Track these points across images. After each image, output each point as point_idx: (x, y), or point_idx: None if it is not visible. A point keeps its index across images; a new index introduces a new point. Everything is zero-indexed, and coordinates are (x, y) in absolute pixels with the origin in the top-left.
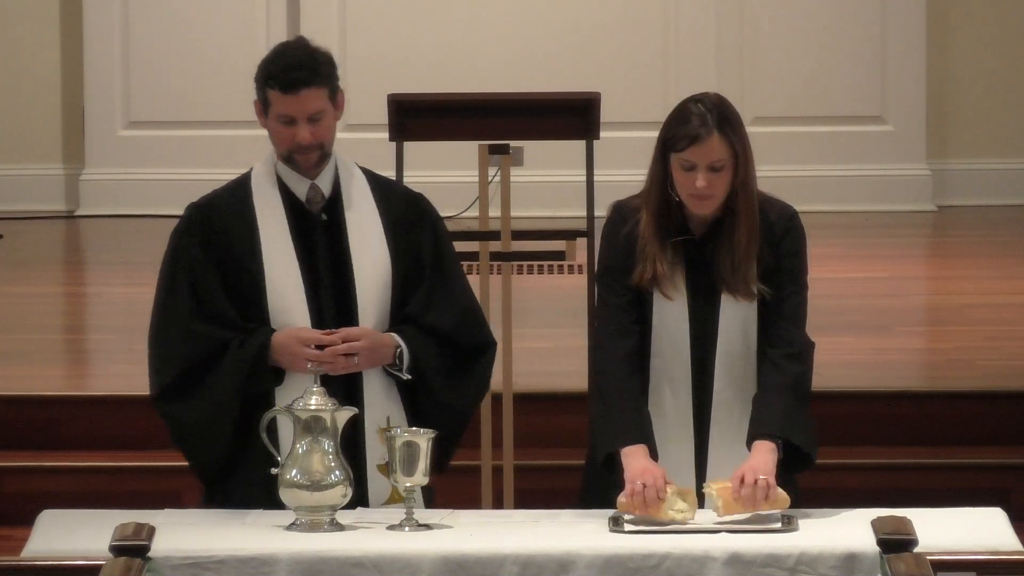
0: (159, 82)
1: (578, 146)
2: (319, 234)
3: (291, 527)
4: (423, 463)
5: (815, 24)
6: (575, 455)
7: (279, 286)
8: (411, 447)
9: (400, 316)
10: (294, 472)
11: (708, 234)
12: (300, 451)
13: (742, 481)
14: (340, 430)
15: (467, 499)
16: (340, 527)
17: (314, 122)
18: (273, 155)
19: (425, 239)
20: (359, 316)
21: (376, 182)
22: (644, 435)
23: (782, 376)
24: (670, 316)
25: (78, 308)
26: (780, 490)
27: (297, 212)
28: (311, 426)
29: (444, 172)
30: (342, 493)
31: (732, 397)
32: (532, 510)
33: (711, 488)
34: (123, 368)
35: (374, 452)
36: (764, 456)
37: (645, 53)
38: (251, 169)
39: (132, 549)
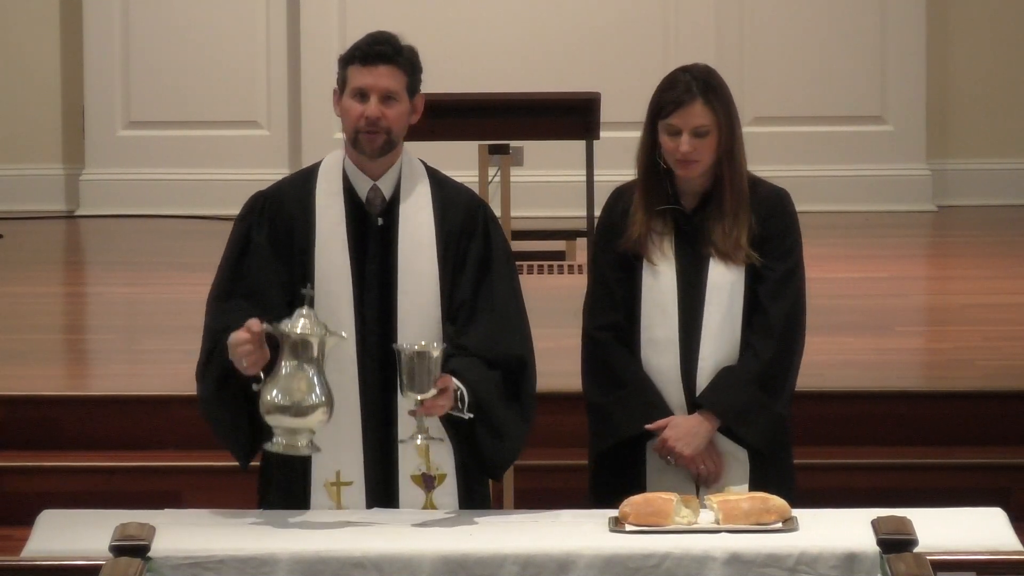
0: (159, 82)
1: (578, 146)
2: (373, 238)
3: (270, 444)
4: (436, 374)
5: (815, 24)
6: (575, 455)
7: (327, 285)
8: (422, 358)
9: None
10: (275, 393)
11: (698, 206)
12: (284, 371)
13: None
14: (327, 355)
15: None
16: (317, 448)
17: (386, 102)
18: (343, 149)
19: (474, 247)
20: (399, 324)
21: (440, 189)
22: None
23: (755, 361)
24: (659, 284)
25: (78, 308)
26: (780, 500)
27: (357, 212)
28: (298, 348)
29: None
30: (320, 419)
31: (718, 365)
32: (532, 510)
33: (711, 500)
34: (123, 368)
35: (408, 463)
36: (692, 422)
37: (645, 53)
38: (320, 161)
39: (132, 549)
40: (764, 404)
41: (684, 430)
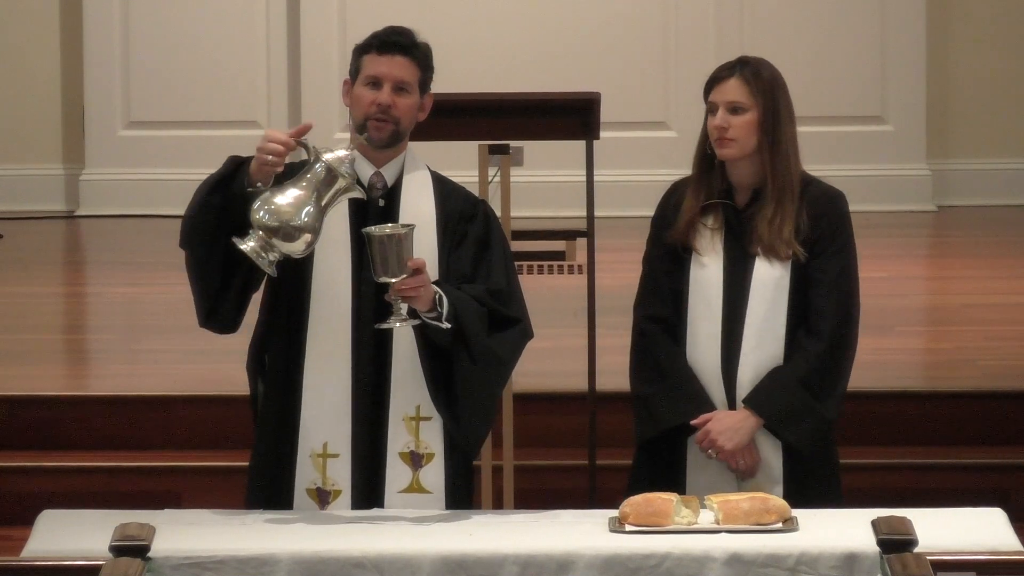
0: (159, 82)
1: (578, 146)
2: (374, 219)
3: (239, 240)
4: (406, 256)
5: (815, 24)
6: (575, 455)
7: (325, 262)
8: (392, 240)
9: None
10: (272, 202)
11: (749, 202)
12: (293, 186)
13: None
14: (339, 198)
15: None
16: (275, 273)
17: (398, 92)
18: (350, 140)
19: (473, 229)
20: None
21: (440, 182)
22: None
23: (804, 363)
24: (705, 278)
25: (78, 308)
26: (780, 500)
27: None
28: (319, 174)
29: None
30: (300, 248)
31: (759, 363)
32: (532, 510)
33: (711, 500)
34: (123, 368)
35: (397, 440)
36: (736, 418)
37: (645, 53)
38: None
39: (132, 549)
40: (811, 407)
41: (727, 424)
